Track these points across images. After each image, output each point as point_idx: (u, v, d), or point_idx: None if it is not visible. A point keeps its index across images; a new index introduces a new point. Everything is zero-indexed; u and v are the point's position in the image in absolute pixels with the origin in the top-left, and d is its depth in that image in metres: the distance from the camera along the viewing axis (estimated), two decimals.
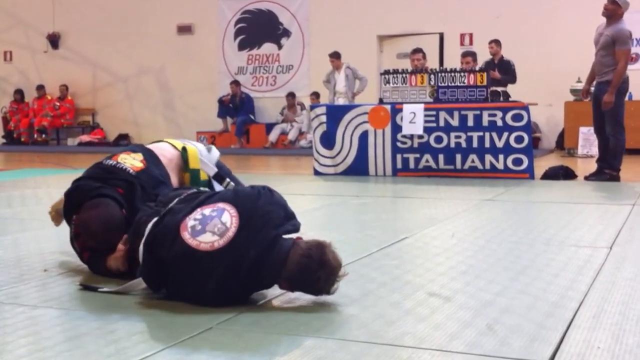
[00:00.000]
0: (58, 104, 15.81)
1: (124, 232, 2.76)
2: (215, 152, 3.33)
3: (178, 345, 2.08)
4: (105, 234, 2.77)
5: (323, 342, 2.11)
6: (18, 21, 16.26)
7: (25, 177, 7.83)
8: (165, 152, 3.23)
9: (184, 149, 3.23)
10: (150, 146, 3.25)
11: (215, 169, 3.26)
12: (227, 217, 2.41)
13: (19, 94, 16.17)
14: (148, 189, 2.94)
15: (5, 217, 4.87)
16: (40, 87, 16.01)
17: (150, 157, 3.12)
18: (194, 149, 3.24)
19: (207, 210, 2.46)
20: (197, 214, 2.46)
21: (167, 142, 3.32)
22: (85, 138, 15.34)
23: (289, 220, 2.52)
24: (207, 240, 2.37)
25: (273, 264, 2.40)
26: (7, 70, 15.98)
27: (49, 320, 2.35)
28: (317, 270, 2.37)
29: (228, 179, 3.25)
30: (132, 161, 3.03)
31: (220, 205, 2.48)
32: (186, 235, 2.39)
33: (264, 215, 2.44)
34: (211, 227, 2.39)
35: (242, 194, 2.57)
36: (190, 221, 2.43)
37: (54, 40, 16.13)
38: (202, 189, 2.94)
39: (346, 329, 2.25)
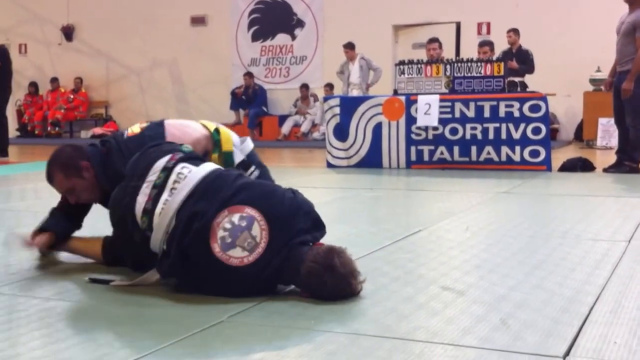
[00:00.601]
0: (72, 96, 15.91)
1: (81, 178, 2.87)
2: (249, 144, 3.20)
3: (189, 338, 2.07)
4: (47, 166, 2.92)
5: (335, 337, 2.09)
6: (32, 14, 16.35)
7: (39, 170, 7.83)
8: (190, 129, 3.06)
9: (217, 130, 3.09)
10: (169, 121, 3.09)
11: (242, 157, 3.14)
12: (256, 230, 2.37)
13: (33, 86, 16.30)
14: (130, 151, 2.86)
15: (19, 210, 4.90)
16: (54, 80, 16.11)
17: (154, 125, 3.02)
18: (227, 132, 3.14)
19: (235, 217, 2.38)
20: (226, 220, 2.38)
21: (200, 122, 3.18)
22: (98, 131, 15.42)
23: (317, 230, 2.51)
24: (237, 256, 2.36)
25: (289, 269, 2.41)
26: (22, 63, 16.08)
27: (61, 313, 2.35)
28: (322, 275, 2.35)
29: (253, 167, 3.12)
30: (133, 128, 3.01)
31: (249, 211, 2.40)
32: (216, 248, 2.36)
33: (292, 227, 2.42)
34: (241, 241, 2.36)
35: (270, 197, 2.48)
36: (220, 231, 2.37)
37: (68, 33, 16.22)
38: (185, 147, 2.72)
39: (358, 323, 2.23)
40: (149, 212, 2.49)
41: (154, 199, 2.49)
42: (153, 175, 2.54)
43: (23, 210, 4.88)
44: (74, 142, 3.32)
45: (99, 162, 2.90)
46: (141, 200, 2.51)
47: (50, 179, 2.93)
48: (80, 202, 3.00)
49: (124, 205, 2.57)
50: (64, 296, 2.54)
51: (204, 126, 3.10)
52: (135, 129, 2.99)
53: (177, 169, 2.54)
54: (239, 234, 2.36)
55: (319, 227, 2.54)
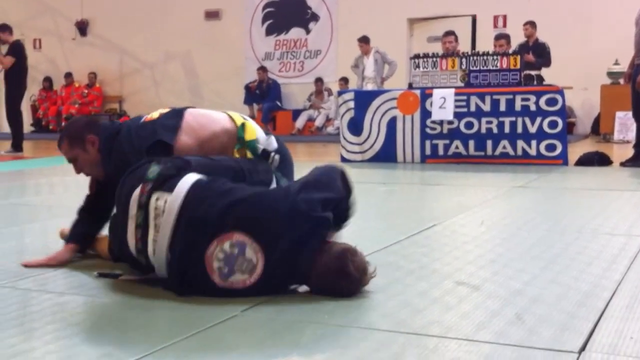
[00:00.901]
0: (86, 91, 15.98)
1: (79, 143, 2.89)
2: (273, 142, 2.96)
3: (202, 332, 2.07)
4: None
5: (348, 331, 2.08)
6: (47, 8, 16.42)
7: (53, 165, 7.89)
8: (211, 121, 2.92)
9: (243, 125, 2.90)
10: (192, 110, 2.98)
11: (262, 147, 2.96)
12: (250, 253, 2.31)
13: (48, 81, 16.37)
14: (140, 137, 2.82)
15: (34, 204, 4.92)
16: (69, 75, 16.17)
17: (173, 114, 2.92)
18: (254, 126, 2.98)
19: (226, 245, 2.31)
20: (217, 250, 2.31)
21: (228, 113, 3.03)
22: None
23: (321, 228, 2.38)
24: (238, 279, 2.33)
25: (299, 275, 2.39)
26: (36, 58, 16.15)
27: (75, 307, 2.35)
28: (336, 281, 2.34)
29: (273, 153, 2.93)
30: (153, 114, 2.95)
31: (238, 237, 2.30)
32: (216, 279, 2.33)
33: (292, 235, 2.33)
34: (239, 266, 2.32)
35: (258, 212, 2.34)
36: (215, 262, 2.32)
37: (82, 28, 16.27)
38: (150, 173, 2.48)
39: (372, 317, 2.22)
40: (142, 251, 2.45)
41: (142, 239, 2.43)
42: (133, 210, 2.45)
43: (38, 205, 4.91)
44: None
45: (106, 139, 2.87)
46: (131, 242, 2.47)
47: (59, 145, 2.97)
48: (90, 177, 3.02)
49: (121, 241, 2.54)
50: (77, 291, 2.53)
51: (232, 119, 2.96)
52: (155, 114, 2.94)
53: (152, 202, 2.41)
54: (234, 262, 2.31)
55: (323, 226, 2.40)
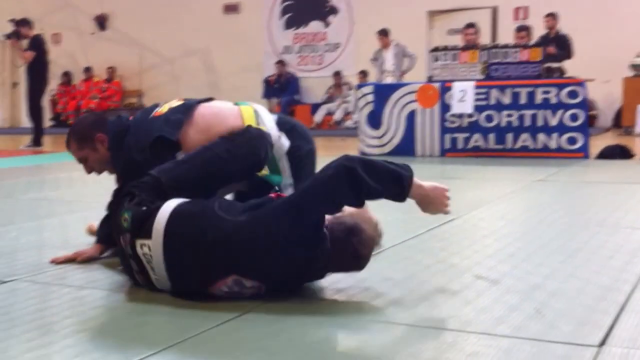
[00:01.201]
0: (105, 86, 16.06)
1: (89, 142, 2.84)
2: (285, 143, 2.83)
3: (218, 327, 2.07)
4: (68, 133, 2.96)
5: (366, 325, 2.08)
6: (66, 3, 16.50)
7: (72, 160, 7.93)
8: (221, 119, 2.79)
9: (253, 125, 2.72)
10: (206, 105, 2.88)
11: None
12: (249, 283, 2.28)
13: (67, 76, 16.46)
14: (145, 133, 2.75)
15: (53, 199, 4.95)
16: (88, 69, 16.26)
17: (182, 108, 2.81)
18: (265, 125, 2.80)
19: (224, 288, 2.29)
20: (218, 290, 2.29)
21: (241, 108, 2.88)
22: None
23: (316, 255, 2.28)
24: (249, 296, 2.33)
25: (312, 275, 2.37)
26: (56, 52, 16.19)
27: (94, 301, 2.36)
28: (352, 264, 2.34)
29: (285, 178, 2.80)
30: (163, 107, 2.85)
31: (233, 277, 2.26)
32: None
33: (286, 272, 2.28)
34: (244, 294, 2.30)
35: (245, 255, 2.25)
36: (217, 291, 2.31)
37: (101, 22, 16.35)
38: (124, 222, 2.41)
39: (390, 311, 2.21)
40: (150, 284, 2.44)
41: (144, 278, 2.42)
42: (127, 256, 2.43)
43: (56, 199, 4.93)
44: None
45: (114, 137, 2.81)
46: (139, 278, 2.45)
47: (67, 146, 2.93)
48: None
49: (131, 276, 2.51)
50: (95, 285, 2.55)
51: (242, 115, 2.80)
52: (164, 108, 2.84)
53: (138, 250, 2.36)
54: (239, 293, 2.29)
55: (319, 254, 2.29)
